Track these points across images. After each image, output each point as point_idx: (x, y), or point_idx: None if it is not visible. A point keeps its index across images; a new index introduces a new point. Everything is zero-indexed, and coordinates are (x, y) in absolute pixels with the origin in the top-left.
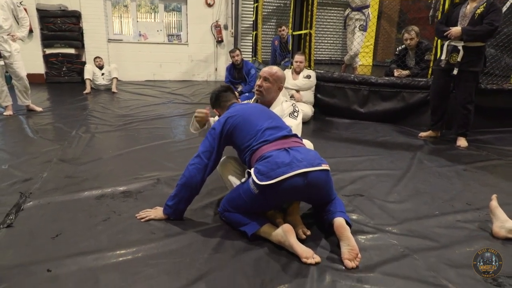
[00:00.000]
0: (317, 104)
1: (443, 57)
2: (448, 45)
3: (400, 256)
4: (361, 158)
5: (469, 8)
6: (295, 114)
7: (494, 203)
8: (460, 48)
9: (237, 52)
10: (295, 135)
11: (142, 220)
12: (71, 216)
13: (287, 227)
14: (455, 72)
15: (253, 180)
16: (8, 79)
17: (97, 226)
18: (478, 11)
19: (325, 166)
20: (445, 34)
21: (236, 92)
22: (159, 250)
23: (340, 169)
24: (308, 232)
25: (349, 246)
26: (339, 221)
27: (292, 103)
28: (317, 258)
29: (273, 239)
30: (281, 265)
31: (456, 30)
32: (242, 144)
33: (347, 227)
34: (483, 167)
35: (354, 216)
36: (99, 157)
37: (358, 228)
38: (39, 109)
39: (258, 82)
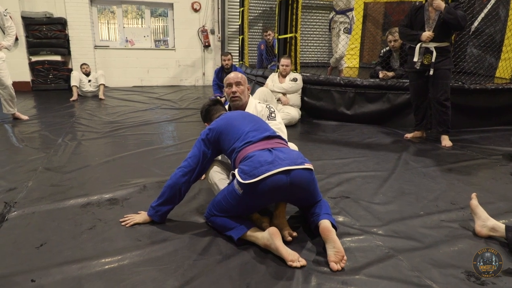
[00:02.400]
0: (304, 107)
1: (415, 59)
2: (420, 47)
3: (385, 257)
4: (347, 160)
5: (431, 10)
6: (273, 115)
7: (474, 202)
8: (433, 49)
9: (229, 56)
10: (279, 136)
11: (127, 225)
12: (56, 225)
13: (273, 230)
14: (431, 72)
15: (237, 180)
16: None
17: (82, 235)
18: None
19: (308, 165)
20: (423, 38)
21: (221, 98)
22: (145, 257)
23: (326, 172)
24: (294, 234)
25: (335, 249)
26: (324, 223)
27: (266, 104)
28: (302, 262)
29: (259, 242)
30: (267, 269)
31: (428, 33)
32: (228, 148)
33: (333, 229)
34: (468, 166)
35: (340, 218)
36: (85, 164)
37: (343, 230)
38: (25, 117)
39: (232, 89)
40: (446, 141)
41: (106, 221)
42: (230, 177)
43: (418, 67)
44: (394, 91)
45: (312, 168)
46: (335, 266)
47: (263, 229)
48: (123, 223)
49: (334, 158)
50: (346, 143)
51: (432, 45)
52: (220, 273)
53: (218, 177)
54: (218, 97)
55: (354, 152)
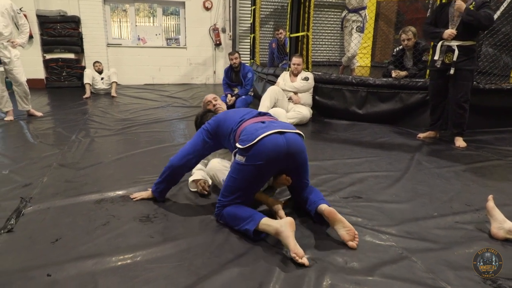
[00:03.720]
0: (315, 106)
1: (436, 57)
2: (442, 45)
3: (398, 258)
4: (359, 159)
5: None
6: None
7: (490, 204)
8: (455, 47)
9: (236, 55)
10: (270, 114)
11: (135, 199)
12: (71, 220)
13: (289, 220)
14: (451, 71)
15: (239, 150)
16: (9, 85)
17: (96, 230)
18: (470, 7)
19: (298, 131)
20: (445, 36)
21: (232, 96)
22: (158, 254)
23: (338, 171)
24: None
25: (346, 228)
26: (325, 207)
27: None
28: (305, 261)
29: (272, 229)
30: (279, 268)
31: (451, 31)
32: (226, 133)
33: (335, 211)
34: (482, 167)
35: (352, 218)
36: (98, 161)
37: (356, 230)
38: (39, 114)
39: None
40: (460, 142)
41: (120, 217)
42: (233, 156)
43: (438, 66)
44: (407, 91)
45: (302, 134)
46: (352, 244)
47: (274, 216)
48: (131, 197)
49: (346, 157)
50: (358, 143)
51: (454, 44)
52: (232, 272)
53: (219, 167)
54: (229, 95)
55: (366, 152)
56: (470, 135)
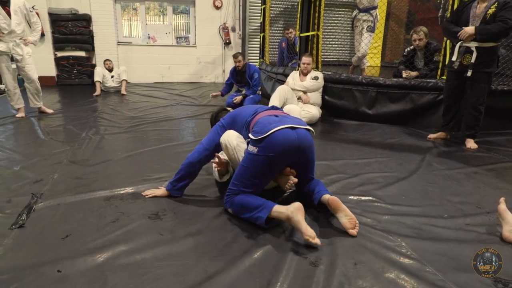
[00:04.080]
0: (324, 105)
1: (454, 58)
2: (460, 46)
3: (408, 259)
4: (369, 160)
5: (479, 8)
6: None
7: (502, 206)
8: (473, 49)
9: (240, 57)
10: (281, 109)
11: (147, 196)
12: (81, 217)
13: (298, 205)
14: (469, 73)
15: (251, 140)
16: (21, 82)
17: (106, 227)
18: (490, 11)
19: (309, 127)
20: (458, 35)
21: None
22: (167, 252)
23: (348, 172)
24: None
25: (347, 216)
26: (329, 196)
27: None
28: (317, 241)
29: (283, 216)
30: (288, 267)
31: (470, 29)
32: (241, 127)
33: (339, 200)
34: (493, 169)
35: (362, 219)
36: (108, 158)
37: (365, 231)
38: (50, 111)
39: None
40: (471, 144)
41: (129, 215)
42: (246, 144)
43: (456, 67)
44: (417, 91)
45: (313, 130)
46: (353, 232)
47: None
48: (144, 195)
49: (356, 158)
50: (368, 143)
51: (473, 45)
52: (241, 270)
53: (236, 140)
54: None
55: (376, 152)
56: (481, 136)
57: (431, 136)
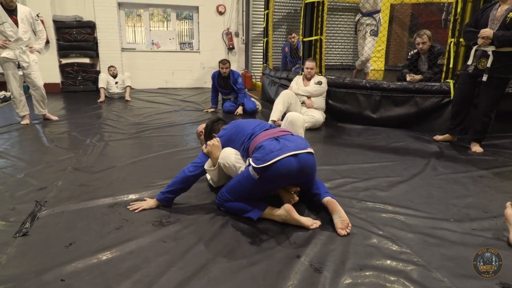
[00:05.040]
0: (328, 110)
1: (469, 62)
2: (476, 50)
3: (413, 265)
4: (373, 164)
5: (500, 11)
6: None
7: (509, 211)
8: (490, 53)
9: (228, 64)
10: (281, 127)
11: (136, 211)
12: (85, 224)
13: (288, 206)
14: (484, 78)
15: (252, 167)
16: (26, 89)
17: (109, 235)
18: (511, 14)
19: (310, 149)
20: (479, 35)
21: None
22: (170, 259)
23: (352, 176)
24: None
25: (341, 218)
26: (328, 198)
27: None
28: (317, 222)
29: (277, 219)
30: (293, 274)
31: (489, 32)
32: (237, 146)
33: (336, 202)
34: (500, 173)
35: (366, 224)
36: (112, 165)
37: (369, 236)
38: (55, 118)
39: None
40: (476, 147)
41: (133, 222)
42: (246, 163)
43: (471, 71)
44: (421, 95)
45: (313, 151)
46: (342, 232)
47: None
48: (131, 209)
49: (360, 162)
50: (372, 147)
51: (490, 49)
52: (245, 277)
53: (234, 158)
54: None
55: (381, 157)
56: (487, 139)
57: (438, 137)
